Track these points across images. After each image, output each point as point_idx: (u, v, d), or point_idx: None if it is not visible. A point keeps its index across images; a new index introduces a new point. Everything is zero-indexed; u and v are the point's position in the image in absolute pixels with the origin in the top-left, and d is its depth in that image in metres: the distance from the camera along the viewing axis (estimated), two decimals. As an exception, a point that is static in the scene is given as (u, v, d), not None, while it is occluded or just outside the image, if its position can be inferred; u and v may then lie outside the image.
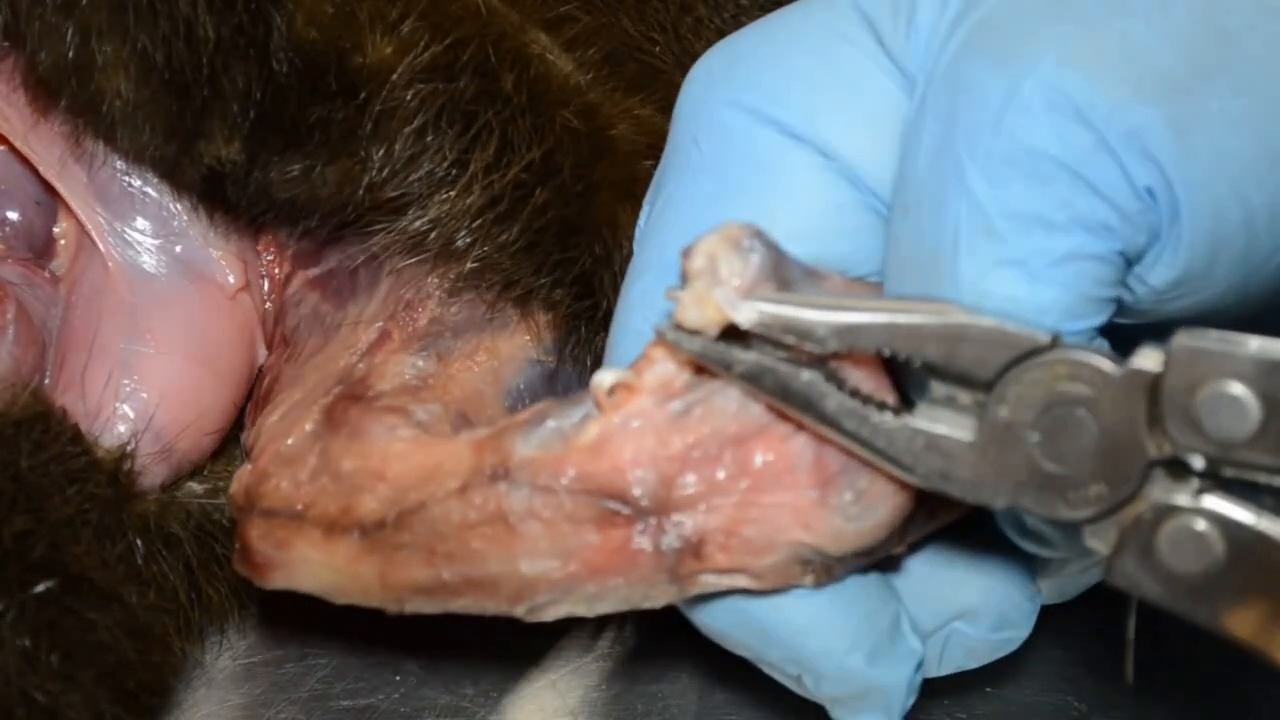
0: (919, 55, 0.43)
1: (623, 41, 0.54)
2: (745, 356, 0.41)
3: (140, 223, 0.53)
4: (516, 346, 0.51)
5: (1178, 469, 0.39)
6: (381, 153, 0.49)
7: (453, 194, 0.50)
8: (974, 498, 0.40)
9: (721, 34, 0.54)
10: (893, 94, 0.44)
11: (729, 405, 0.42)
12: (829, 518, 0.42)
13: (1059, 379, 0.39)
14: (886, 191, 0.44)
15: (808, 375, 0.41)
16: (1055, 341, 0.39)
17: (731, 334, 0.41)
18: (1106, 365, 0.39)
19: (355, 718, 0.51)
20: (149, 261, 0.53)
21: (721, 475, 0.43)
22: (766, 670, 0.46)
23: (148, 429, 0.51)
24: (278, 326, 0.54)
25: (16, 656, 0.44)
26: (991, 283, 0.40)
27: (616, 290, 0.48)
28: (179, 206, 0.53)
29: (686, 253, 0.42)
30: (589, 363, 0.51)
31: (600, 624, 0.55)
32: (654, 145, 0.50)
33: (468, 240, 0.50)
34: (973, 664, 0.48)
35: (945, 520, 0.46)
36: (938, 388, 0.41)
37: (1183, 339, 0.38)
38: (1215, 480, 0.39)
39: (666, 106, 0.49)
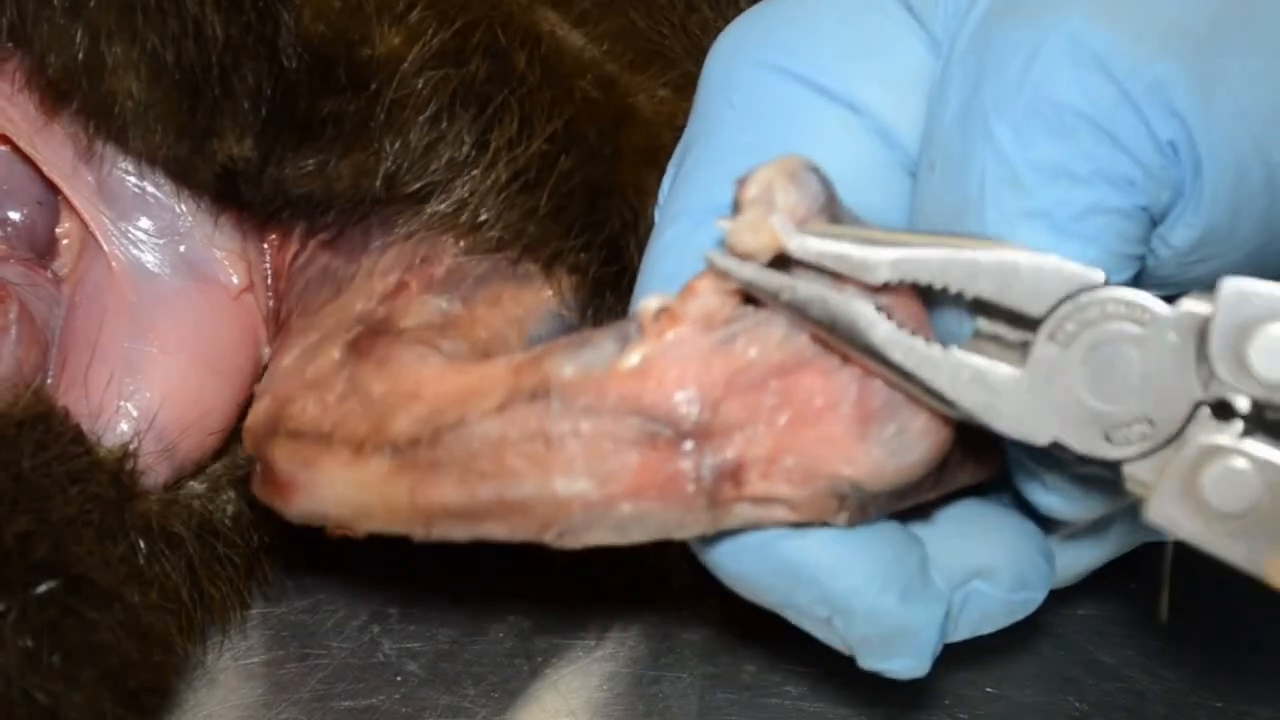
0: (946, 19, 0.44)
1: (632, 30, 0.54)
2: (794, 284, 0.41)
3: (144, 222, 0.53)
4: (540, 300, 0.51)
5: (1223, 411, 0.40)
6: (397, 144, 0.49)
7: (476, 173, 0.50)
8: (1017, 433, 0.41)
9: None
10: (921, 57, 0.45)
11: (774, 335, 0.42)
12: (870, 451, 0.42)
13: (1109, 317, 0.40)
14: (915, 151, 0.45)
15: (857, 305, 0.41)
16: (1107, 281, 0.40)
17: (779, 264, 0.42)
18: (1157, 305, 0.40)
19: (356, 718, 0.51)
20: (152, 261, 0.53)
21: (766, 404, 0.42)
22: (793, 618, 0.46)
23: (150, 429, 0.51)
24: (283, 302, 0.54)
25: (18, 657, 0.44)
26: (1018, 234, 0.41)
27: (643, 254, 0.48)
28: (184, 207, 0.53)
29: (741, 181, 0.42)
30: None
31: (602, 624, 0.55)
32: (674, 119, 0.50)
33: (493, 214, 0.50)
34: (988, 628, 0.48)
35: (973, 478, 0.46)
36: (984, 324, 0.42)
37: (1231, 284, 0.39)
38: (1260, 423, 0.40)
39: (680, 88, 0.50)
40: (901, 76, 0.45)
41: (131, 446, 0.50)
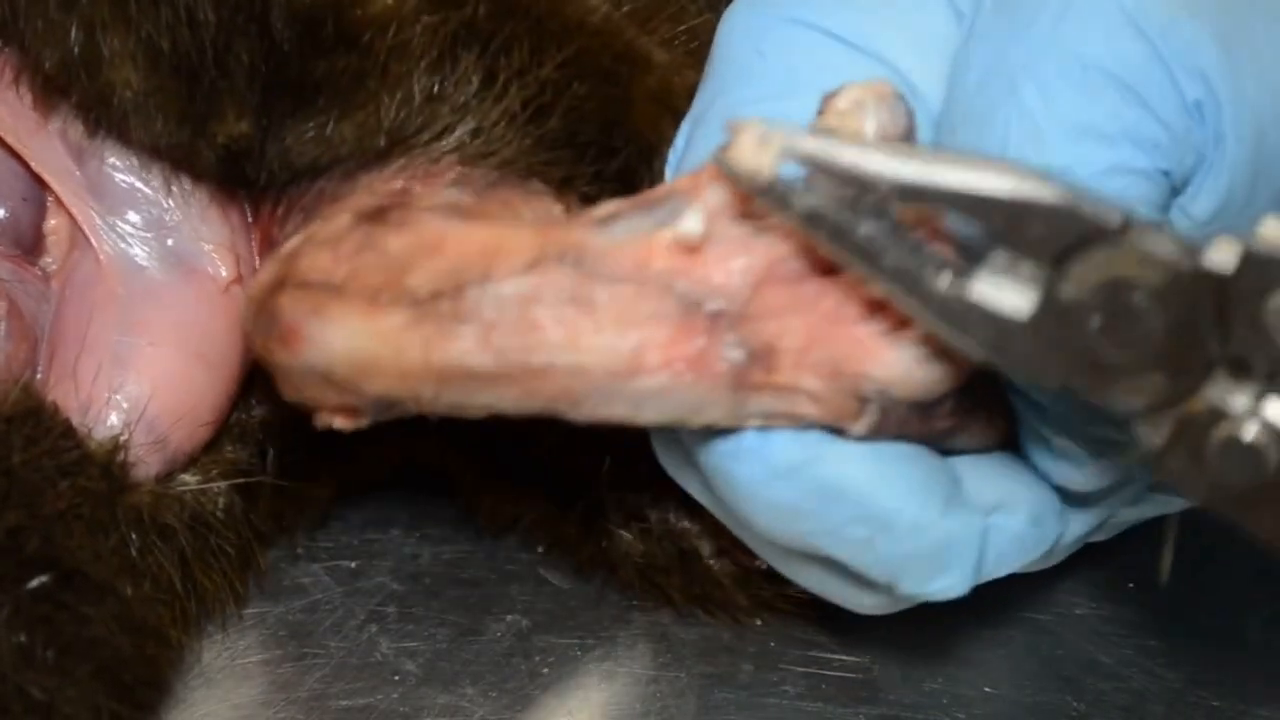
0: None
1: None
2: (804, 199, 0.40)
3: (133, 216, 0.52)
4: (549, 209, 0.49)
5: (1240, 370, 0.39)
6: (398, 95, 0.49)
7: (486, 105, 0.49)
8: (1025, 375, 0.40)
9: None
10: (947, 24, 0.45)
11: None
12: (901, 357, 0.42)
13: (1127, 265, 0.38)
14: (938, 113, 0.44)
15: (867, 227, 0.40)
16: (1126, 225, 0.38)
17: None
18: (1177, 256, 0.38)
19: (354, 718, 0.51)
20: (140, 255, 0.52)
21: (804, 296, 0.42)
22: (828, 544, 0.44)
23: (140, 420, 0.50)
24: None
25: (12, 652, 0.43)
26: None
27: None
28: (172, 201, 0.52)
29: (829, 96, 0.41)
30: None
31: (601, 624, 0.55)
32: (683, 68, 0.50)
33: (504, 140, 0.49)
34: (1004, 568, 0.46)
35: (985, 435, 0.45)
36: (1001, 254, 0.40)
37: (1264, 237, 0.38)
38: (1276, 388, 0.39)
39: (689, 40, 0.50)
40: (928, 42, 0.45)
41: (122, 439, 0.50)
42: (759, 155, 0.40)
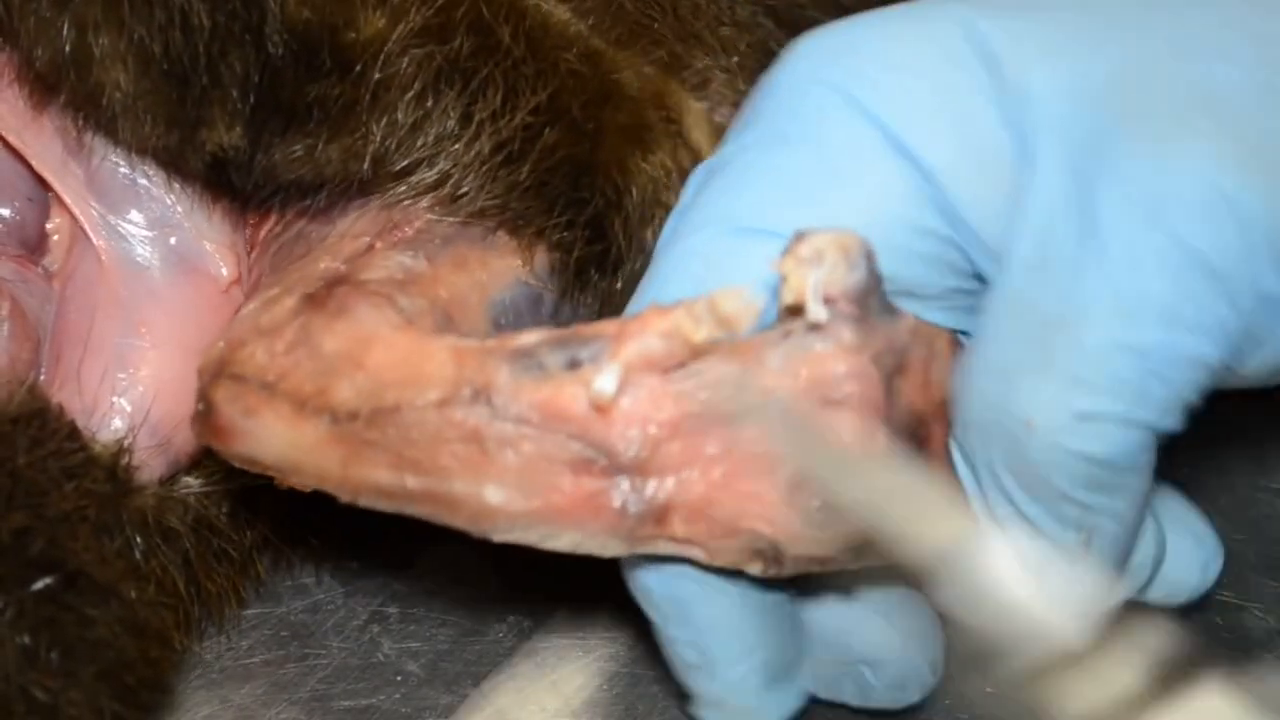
0: (1037, 106, 0.43)
1: (619, 8, 0.54)
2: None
3: (134, 215, 0.52)
4: (507, 266, 0.50)
5: None
6: (384, 124, 0.49)
7: (459, 147, 0.49)
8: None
9: (718, 20, 0.54)
10: (998, 131, 0.43)
11: (727, 385, 0.42)
12: (793, 519, 0.43)
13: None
14: (977, 225, 0.44)
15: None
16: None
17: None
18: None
19: (356, 718, 0.51)
20: (143, 255, 0.52)
21: (706, 451, 0.43)
22: (665, 645, 0.47)
23: (144, 423, 0.51)
24: (255, 267, 0.53)
25: (16, 654, 0.43)
26: (1109, 363, 0.40)
27: (628, 235, 0.49)
28: (173, 199, 0.52)
29: (800, 236, 0.42)
30: (588, 301, 0.51)
31: (602, 624, 0.55)
32: (659, 98, 0.50)
33: (475, 186, 0.50)
34: (860, 704, 0.50)
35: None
36: None
37: None
38: None
39: (667, 67, 0.50)
40: (977, 148, 0.43)
41: (126, 441, 0.50)
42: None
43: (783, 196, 0.45)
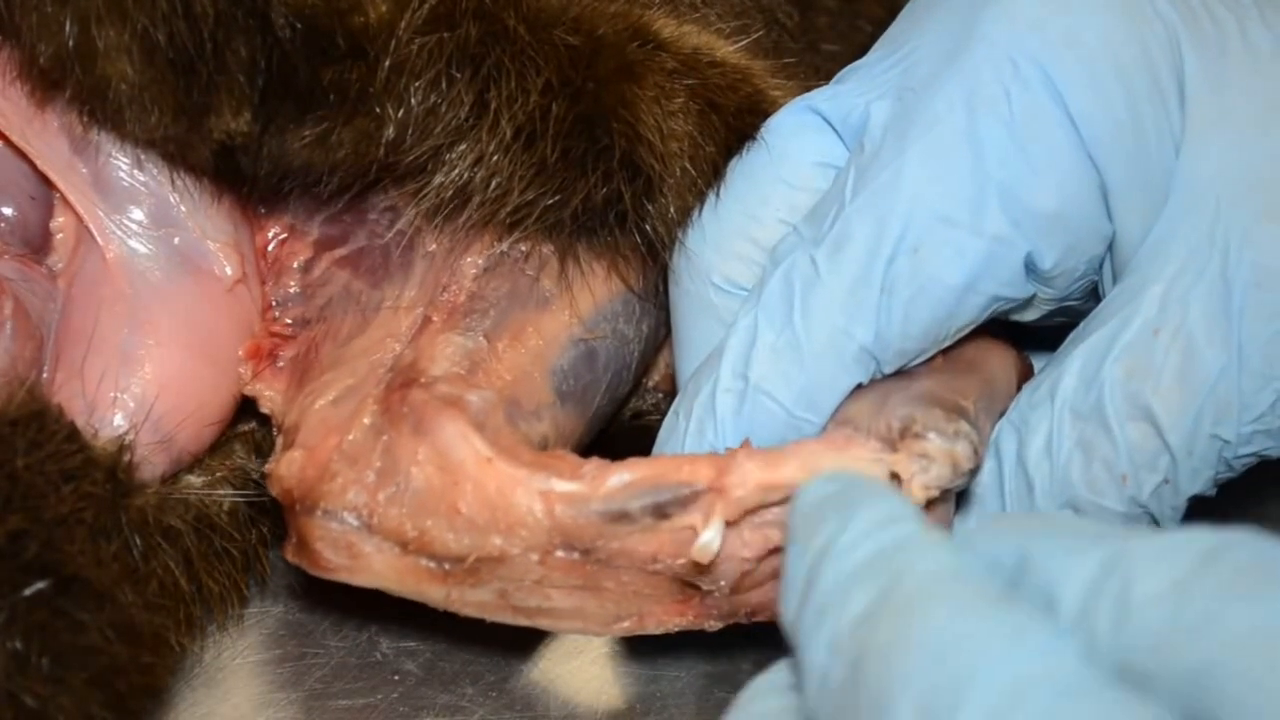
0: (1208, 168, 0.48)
1: None
2: None
3: (138, 214, 0.52)
4: (559, 326, 0.51)
5: None
6: (400, 110, 0.49)
7: (482, 134, 0.50)
8: None
9: None
10: (1168, 176, 0.48)
11: None
12: None
13: None
14: (1122, 243, 0.49)
15: None
16: None
17: None
18: None
19: (354, 717, 0.51)
20: (147, 253, 0.53)
21: None
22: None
23: (147, 420, 0.51)
24: (297, 306, 0.54)
25: (7, 659, 0.43)
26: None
27: (658, 157, 0.50)
28: (177, 198, 0.52)
29: (916, 434, 0.46)
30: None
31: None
32: (634, 32, 0.51)
33: (505, 176, 0.50)
34: None
35: None
36: None
37: None
38: None
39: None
40: (1146, 179, 0.48)
41: (128, 439, 0.50)
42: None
43: (985, 189, 0.46)
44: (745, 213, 0.51)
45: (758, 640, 0.53)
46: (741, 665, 0.53)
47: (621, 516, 0.46)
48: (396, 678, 0.52)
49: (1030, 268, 0.47)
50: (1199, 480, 0.47)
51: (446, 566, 0.47)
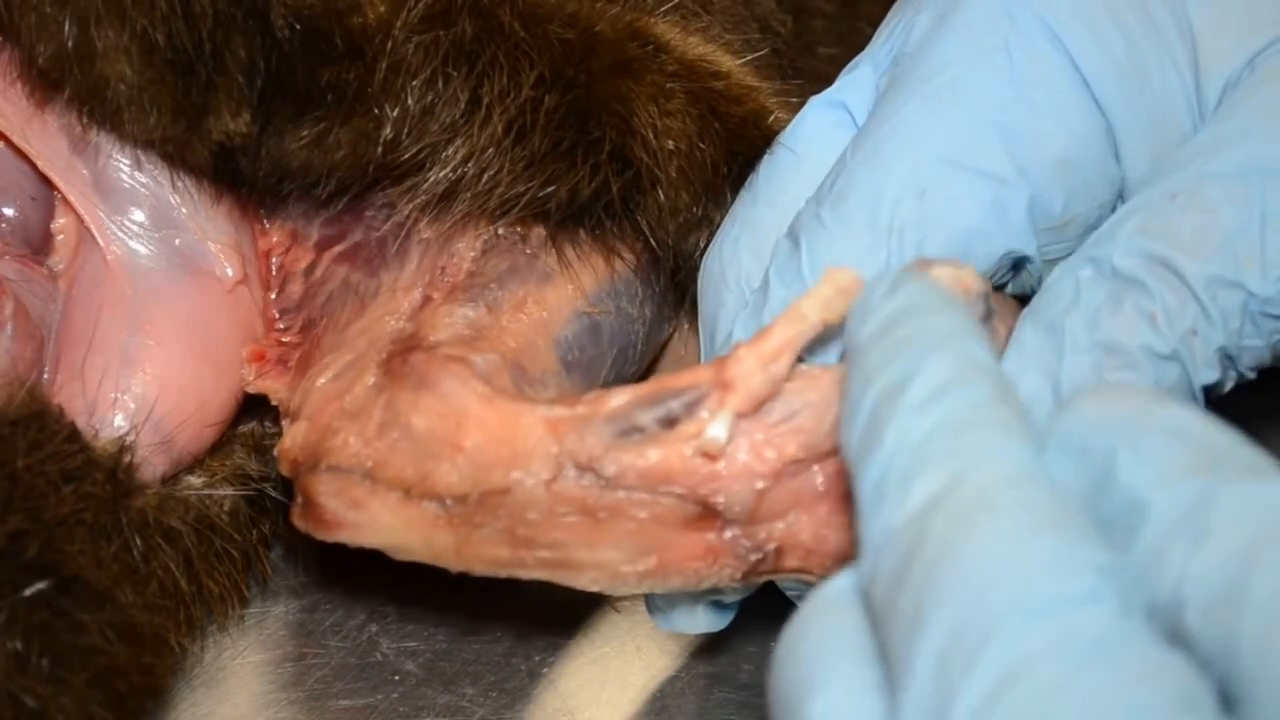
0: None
1: None
2: None
3: (139, 215, 0.53)
4: (562, 298, 0.51)
5: None
6: (396, 109, 0.49)
7: (474, 130, 0.50)
8: None
9: None
10: (1182, 113, 0.47)
11: (828, 420, 0.43)
12: None
13: None
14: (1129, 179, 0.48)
15: None
16: None
17: None
18: None
19: (354, 717, 0.51)
20: (148, 254, 0.53)
21: (810, 490, 0.44)
22: None
23: (147, 421, 0.51)
24: (301, 311, 0.54)
25: (7, 659, 0.43)
26: None
27: (651, 153, 0.50)
28: (178, 199, 0.53)
29: (925, 264, 0.44)
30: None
31: (601, 624, 0.55)
32: (635, 33, 0.51)
33: (496, 170, 0.50)
34: None
35: None
36: None
37: None
38: None
39: (635, 6, 0.51)
40: (1158, 119, 0.47)
41: (128, 439, 0.50)
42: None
43: (987, 134, 0.46)
44: (779, 217, 0.50)
45: (758, 640, 0.53)
46: (742, 666, 0.53)
47: (629, 430, 0.44)
48: (396, 678, 0.52)
49: (1040, 216, 0.47)
50: (1227, 331, 0.45)
51: (450, 505, 0.45)
